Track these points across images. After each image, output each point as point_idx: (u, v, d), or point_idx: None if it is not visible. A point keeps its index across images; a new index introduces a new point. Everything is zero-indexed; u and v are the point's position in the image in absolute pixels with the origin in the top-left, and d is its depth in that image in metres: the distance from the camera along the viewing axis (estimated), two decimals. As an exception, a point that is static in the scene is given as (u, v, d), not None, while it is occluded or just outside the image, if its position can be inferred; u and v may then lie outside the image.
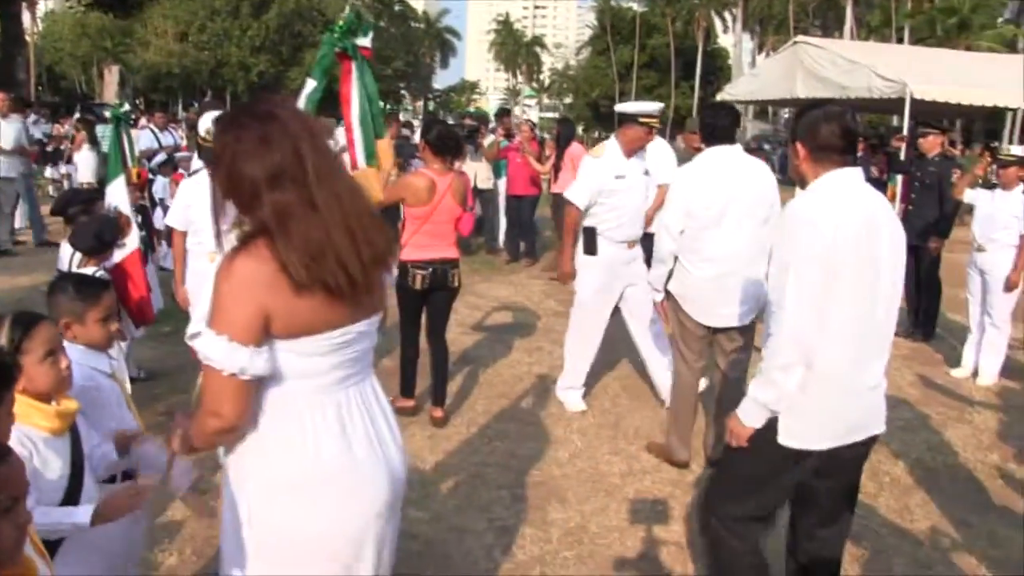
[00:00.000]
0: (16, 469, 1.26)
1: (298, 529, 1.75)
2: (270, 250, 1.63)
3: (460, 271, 4.71)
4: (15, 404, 1.47)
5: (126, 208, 4.79)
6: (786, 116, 36.54)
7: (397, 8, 65.07)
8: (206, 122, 4.60)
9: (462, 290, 4.86)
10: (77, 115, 15.00)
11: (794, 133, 2.52)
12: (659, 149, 6.35)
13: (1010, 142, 14.66)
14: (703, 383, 4.55)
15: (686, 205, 4.02)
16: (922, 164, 7.16)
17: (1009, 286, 5.84)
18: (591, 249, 4.79)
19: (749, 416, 2.46)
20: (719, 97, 17.89)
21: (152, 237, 6.26)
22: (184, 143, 11.74)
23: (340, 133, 4.91)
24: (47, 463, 1.91)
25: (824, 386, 2.38)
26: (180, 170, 8.61)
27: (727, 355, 4.15)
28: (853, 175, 2.44)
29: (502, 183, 10.29)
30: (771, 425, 2.44)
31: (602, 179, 4.65)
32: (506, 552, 3.41)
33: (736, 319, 4.05)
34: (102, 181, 6.43)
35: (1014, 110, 15.23)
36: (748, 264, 3.93)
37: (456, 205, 4.58)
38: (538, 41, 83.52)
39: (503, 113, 12.48)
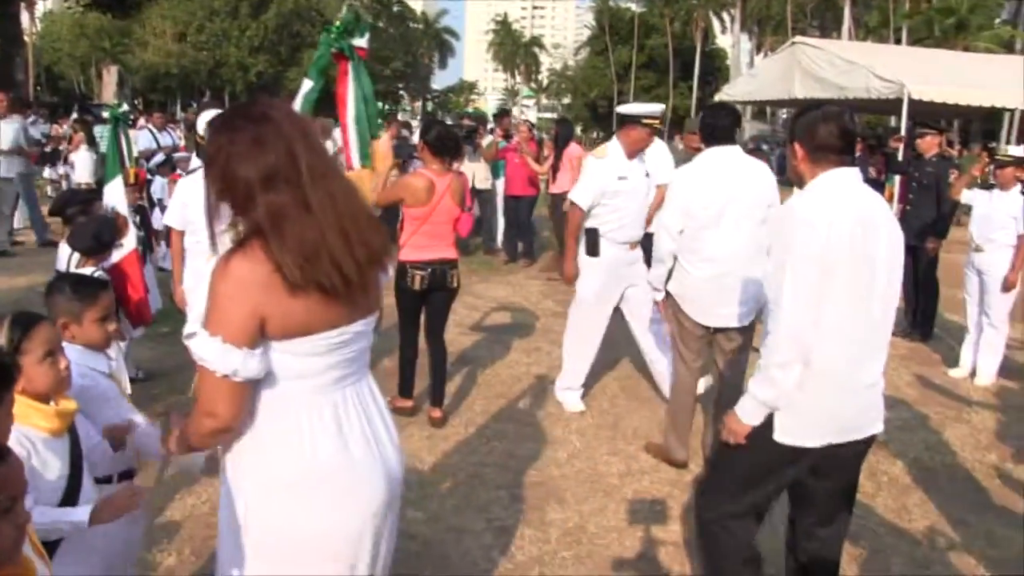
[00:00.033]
0: (15, 469, 1.26)
1: (295, 528, 1.75)
2: (265, 251, 1.63)
3: (459, 271, 4.71)
4: (14, 404, 1.47)
5: (123, 209, 4.79)
6: (784, 117, 36.58)
7: (396, 9, 65.10)
8: (204, 122, 4.60)
9: (460, 291, 4.86)
10: (74, 115, 14.98)
11: (792, 133, 2.54)
12: (656, 149, 6.35)
13: (1007, 142, 14.71)
14: (702, 384, 4.55)
15: (684, 205, 4.02)
16: (920, 164, 7.17)
17: (1007, 286, 5.85)
18: (593, 251, 4.79)
19: (748, 414, 2.47)
20: (717, 98, 17.89)
21: (151, 238, 6.26)
22: (182, 143, 11.75)
23: (339, 133, 4.91)
24: (46, 463, 1.91)
25: (820, 383, 2.39)
26: (178, 170, 8.61)
27: (726, 355, 4.15)
28: (850, 175, 2.46)
29: (500, 183, 10.29)
30: (767, 422, 2.45)
31: (606, 180, 4.65)
32: (504, 552, 3.41)
33: (735, 319, 4.05)
34: (100, 182, 6.43)
35: (1012, 111, 15.27)
36: (747, 264, 3.93)
37: (455, 206, 4.58)
38: (536, 41, 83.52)
39: (503, 114, 12.47)
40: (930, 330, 7.08)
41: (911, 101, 13.11)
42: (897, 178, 10.87)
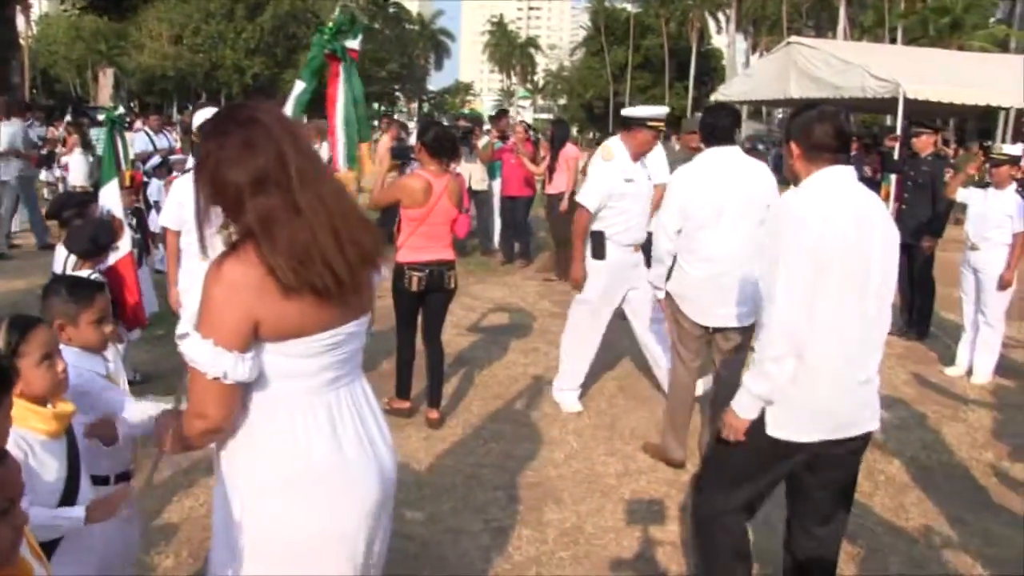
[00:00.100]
0: (12, 471, 1.26)
1: (290, 528, 1.76)
2: (258, 255, 1.63)
3: (456, 272, 4.71)
4: (12, 407, 1.47)
5: (119, 211, 4.78)
6: (780, 116, 36.64)
7: (391, 10, 65.11)
8: (199, 120, 4.60)
9: (457, 291, 4.86)
10: (67, 118, 14.94)
11: (788, 133, 2.55)
12: (653, 150, 6.35)
13: (1003, 141, 14.73)
14: (700, 384, 4.56)
15: (682, 204, 4.03)
16: (915, 163, 7.18)
17: (1003, 284, 5.86)
18: (599, 253, 4.79)
19: (743, 408, 2.48)
20: (713, 98, 17.93)
21: (147, 240, 6.25)
22: (178, 146, 11.72)
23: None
24: (43, 465, 1.92)
25: (814, 379, 2.40)
26: (174, 172, 8.59)
27: (724, 355, 4.16)
28: (844, 173, 2.47)
29: (496, 184, 10.29)
30: (761, 417, 2.46)
31: (613, 182, 4.66)
32: (502, 553, 3.41)
33: (734, 319, 4.05)
34: (97, 184, 6.41)
35: (1007, 109, 15.31)
36: (745, 264, 3.93)
37: (452, 207, 4.58)
38: (532, 42, 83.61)
39: (501, 114, 12.45)
40: (926, 329, 7.09)
41: (906, 100, 13.15)
42: (893, 177, 10.90)
